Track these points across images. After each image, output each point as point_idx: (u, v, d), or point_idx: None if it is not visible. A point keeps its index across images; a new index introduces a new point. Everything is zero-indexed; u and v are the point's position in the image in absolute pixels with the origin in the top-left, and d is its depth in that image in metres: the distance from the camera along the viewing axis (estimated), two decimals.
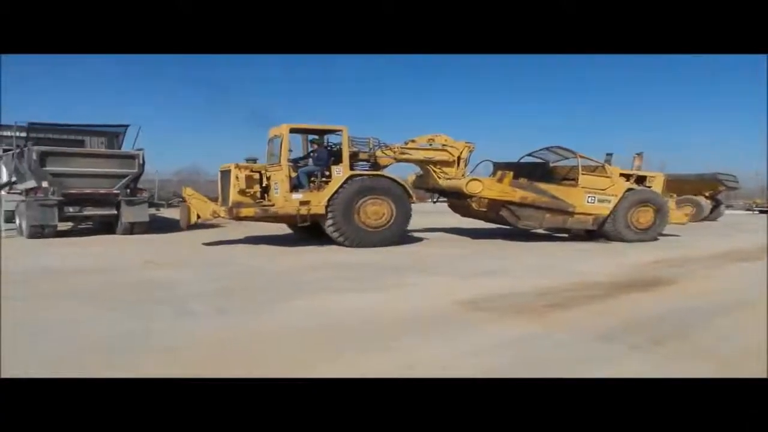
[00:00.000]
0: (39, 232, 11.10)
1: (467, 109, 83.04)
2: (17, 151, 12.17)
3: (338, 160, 10.13)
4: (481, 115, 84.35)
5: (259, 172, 10.07)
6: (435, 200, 13.26)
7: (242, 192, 9.71)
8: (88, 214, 12.08)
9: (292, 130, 10.11)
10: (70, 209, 11.64)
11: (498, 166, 11.74)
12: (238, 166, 9.92)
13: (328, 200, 9.81)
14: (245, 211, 9.65)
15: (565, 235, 12.43)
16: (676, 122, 77.87)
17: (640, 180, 12.02)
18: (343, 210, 9.81)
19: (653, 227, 11.58)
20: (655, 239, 11.67)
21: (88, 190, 11.73)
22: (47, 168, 11.38)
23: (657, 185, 12.09)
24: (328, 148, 10.55)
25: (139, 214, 12.22)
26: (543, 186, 10.98)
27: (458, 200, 11.56)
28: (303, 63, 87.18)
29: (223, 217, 10.19)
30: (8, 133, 14.38)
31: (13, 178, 12.73)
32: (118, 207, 12.04)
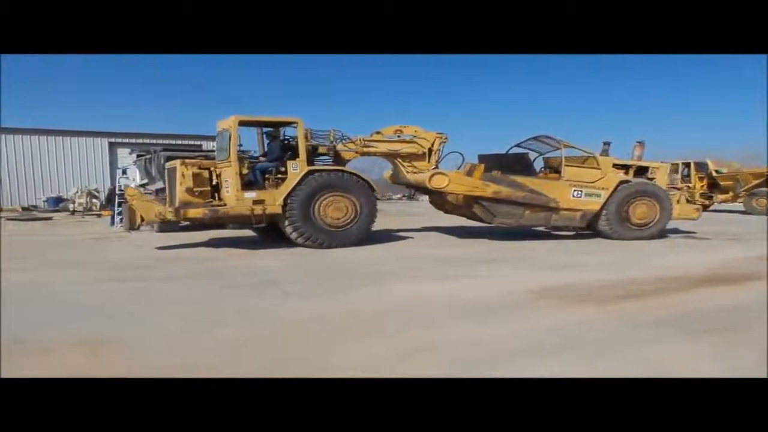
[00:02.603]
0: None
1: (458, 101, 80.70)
2: (148, 156, 14.12)
3: (295, 154, 9.51)
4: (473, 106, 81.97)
5: (209, 169, 9.50)
6: (410, 196, 12.72)
7: (190, 191, 9.13)
8: None
9: (242, 123, 9.35)
10: None
11: (481, 159, 10.76)
12: (184, 163, 9.31)
13: (285, 198, 9.17)
14: (193, 212, 8.98)
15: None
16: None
17: (642, 171, 11.03)
18: (301, 209, 9.16)
19: (654, 223, 10.55)
20: (659, 237, 10.66)
21: None
22: None
23: (660, 176, 11.04)
24: (285, 141, 9.90)
25: None
26: (520, 179, 10.03)
27: (436, 196, 10.84)
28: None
29: (169, 219, 9.56)
30: (142, 140, 18.06)
31: (145, 180, 14.63)
32: None
